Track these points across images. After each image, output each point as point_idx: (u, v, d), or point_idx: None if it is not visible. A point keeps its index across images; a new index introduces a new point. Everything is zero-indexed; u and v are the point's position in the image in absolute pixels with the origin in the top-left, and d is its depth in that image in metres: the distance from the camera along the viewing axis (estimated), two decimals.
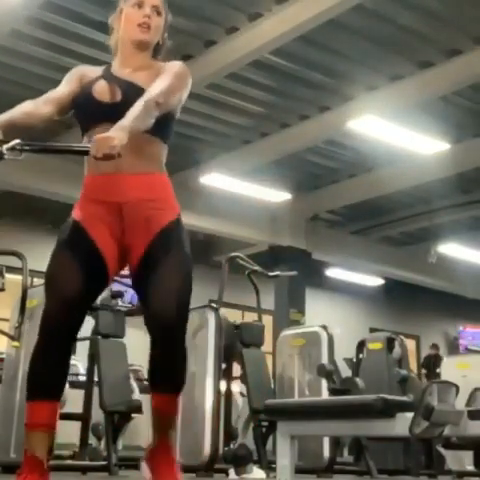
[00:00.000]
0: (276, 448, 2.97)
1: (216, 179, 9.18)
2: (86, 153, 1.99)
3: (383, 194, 9.76)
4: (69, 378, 6.58)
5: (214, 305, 5.65)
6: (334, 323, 6.94)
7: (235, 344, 5.66)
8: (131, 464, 6.57)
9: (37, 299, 4.94)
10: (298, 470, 3.46)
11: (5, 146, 1.99)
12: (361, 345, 6.53)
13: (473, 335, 13.97)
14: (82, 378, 6.38)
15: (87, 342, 5.82)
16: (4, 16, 5.90)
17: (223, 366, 5.45)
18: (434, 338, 13.21)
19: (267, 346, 6.06)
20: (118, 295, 6.81)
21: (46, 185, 8.08)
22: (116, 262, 2.16)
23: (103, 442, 5.82)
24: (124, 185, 2.16)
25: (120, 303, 7.22)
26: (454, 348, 13.78)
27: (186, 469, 5.29)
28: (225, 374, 5.62)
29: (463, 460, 5.11)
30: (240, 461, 4.93)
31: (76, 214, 2.21)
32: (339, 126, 7.84)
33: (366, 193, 9.75)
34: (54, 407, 2.04)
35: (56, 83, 6.47)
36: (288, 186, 9.71)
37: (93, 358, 5.53)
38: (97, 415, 5.48)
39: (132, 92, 2.13)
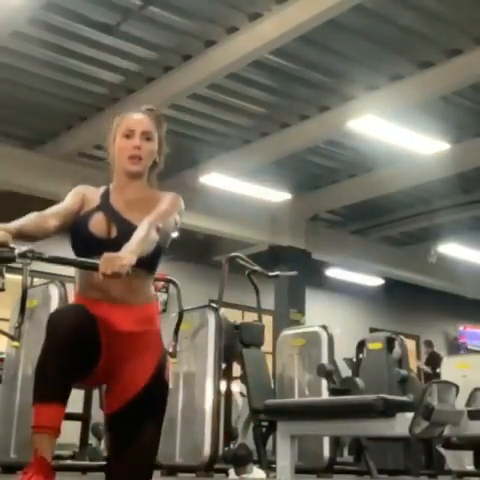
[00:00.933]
0: (276, 448, 2.97)
1: (216, 179, 9.18)
2: (96, 269, 2.04)
3: (383, 194, 9.76)
4: None
5: (214, 305, 5.65)
6: (334, 323, 6.94)
7: (235, 344, 5.66)
8: None
9: (37, 299, 4.94)
10: (298, 470, 3.45)
11: (17, 252, 2.08)
12: (361, 345, 6.53)
13: (470, 335, 13.96)
14: None
15: None
16: (6, 17, 5.90)
17: (223, 366, 5.46)
18: (434, 338, 13.20)
19: (267, 346, 6.06)
20: None
21: (46, 185, 8.08)
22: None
23: (103, 442, 5.83)
24: (114, 315, 2.24)
25: None
26: (454, 348, 13.78)
27: (186, 469, 5.30)
28: (225, 374, 5.62)
29: (463, 460, 5.11)
30: (240, 461, 4.93)
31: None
32: (339, 126, 7.83)
33: (366, 193, 9.75)
34: (63, 409, 2.06)
35: (57, 84, 6.49)
36: (288, 186, 9.71)
37: None
38: (97, 415, 5.48)
39: (127, 231, 2.19)
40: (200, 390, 5.30)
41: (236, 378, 5.95)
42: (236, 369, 5.98)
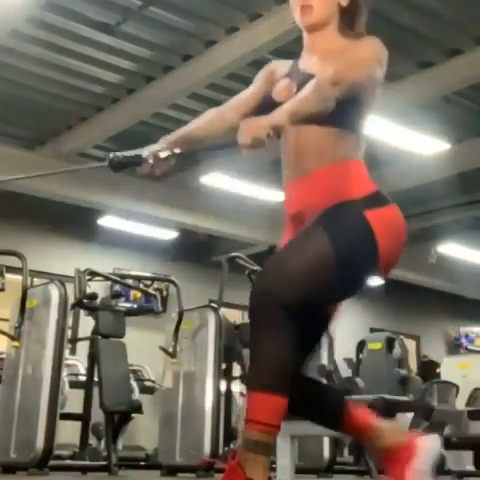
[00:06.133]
0: (276, 448, 2.97)
1: (216, 179, 9.18)
2: (234, 144, 1.83)
3: None
4: (69, 378, 6.60)
5: (214, 305, 5.65)
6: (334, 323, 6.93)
7: (235, 344, 5.67)
8: (131, 464, 6.59)
9: (37, 299, 4.95)
10: (298, 470, 3.46)
11: (147, 151, 2.02)
12: (361, 345, 6.54)
13: (467, 336, 13.92)
14: (82, 378, 6.39)
15: (87, 342, 5.83)
16: (4, 16, 5.90)
17: (223, 366, 5.46)
18: (434, 338, 13.20)
19: None
20: (118, 295, 6.82)
21: (46, 185, 8.09)
22: None
23: (103, 442, 5.83)
24: (292, 194, 2.01)
25: (120, 303, 7.24)
26: (454, 348, 13.76)
27: (186, 469, 5.30)
28: (225, 374, 5.62)
29: (463, 460, 5.11)
30: None
31: None
32: None
33: None
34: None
35: (57, 84, 6.50)
36: None
37: (93, 358, 5.54)
38: (97, 415, 5.48)
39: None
40: (200, 390, 5.30)
41: (236, 378, 5.95)
42: (236, 369, 5.98)
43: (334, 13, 2.09)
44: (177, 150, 2.03)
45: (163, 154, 2.03)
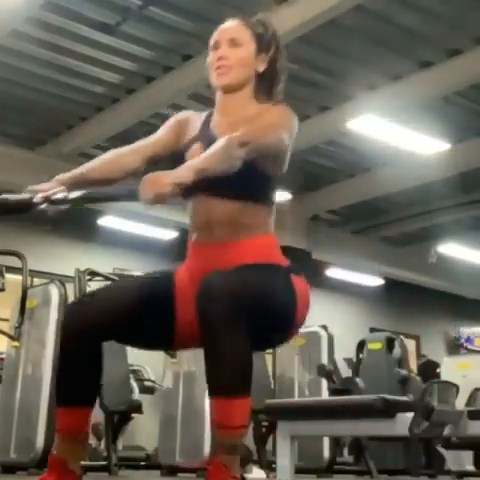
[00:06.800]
0: (276, 448, 2.97)
1: None
2: (136, 197, 1.69)
3: (383, 194, 9.76)
4: None
5: None
6: (334, 323, 6.94)
7: None
8: (131, 464, 6.59)
9: (37, 299, 4.95)
10: (298, 470, 3.46)
11: (40, 195, 1.86)
12: (361, 345, 6.54)
13: (467, 336, 13.90)
14: None
15: None
16: (4, 16, 5.90)
17: None
18: (434, 338, 13.20)
19: None
20: None
21: None
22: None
23: (103, 442, 5.84)
24: (197, 256, 1.94)
25: None
26: (454, 348, 13.76)
27: (186, 469, 5.30)
28: None
29: (463, 460, 5.11)
30: (240, 461, 4.93)
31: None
32: (339, 126, 7.83)
33: (366, 193, 9.74)
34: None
35: (56, 83, 6.45)
36: (288, 186, 9.70)
37: None
38: (97, 415, 5.48)
39: None
40: (200, 390, 5.30)
41: None
42: None
43: (251, 77, 2.06)
44: (72, 195, 1.89)
45: (56, 196, 1.89)
